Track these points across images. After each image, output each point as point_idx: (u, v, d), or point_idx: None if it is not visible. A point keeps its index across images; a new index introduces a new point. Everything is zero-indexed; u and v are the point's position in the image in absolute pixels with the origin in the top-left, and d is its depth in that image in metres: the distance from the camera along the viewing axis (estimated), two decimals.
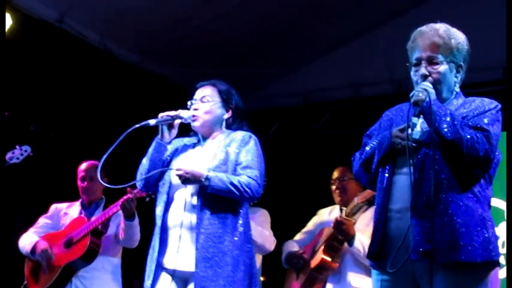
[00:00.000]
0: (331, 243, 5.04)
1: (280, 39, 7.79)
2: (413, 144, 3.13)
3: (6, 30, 6.30)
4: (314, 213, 5.49)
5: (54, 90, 6.80)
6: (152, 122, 3.94)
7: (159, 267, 3.88)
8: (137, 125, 3.92)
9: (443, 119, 3.06)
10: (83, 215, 5.22)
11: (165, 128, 3.99)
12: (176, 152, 4.05)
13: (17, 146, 5.13)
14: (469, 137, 3.04)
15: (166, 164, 3.97)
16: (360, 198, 4.94)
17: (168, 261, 3.86)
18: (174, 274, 3.88)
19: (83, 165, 5.36)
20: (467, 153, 3.04)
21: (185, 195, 3.87)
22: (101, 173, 3.96)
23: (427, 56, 3.24)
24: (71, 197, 5.44)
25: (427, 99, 3.08)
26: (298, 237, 5.46)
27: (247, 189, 3.81)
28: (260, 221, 5.34)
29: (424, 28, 3.33)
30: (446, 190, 3.10)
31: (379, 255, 3.24)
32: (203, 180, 3.75)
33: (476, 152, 3.04)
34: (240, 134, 4.01)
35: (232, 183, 3.77)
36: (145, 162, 3.99)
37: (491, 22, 7.25)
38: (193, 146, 4.10)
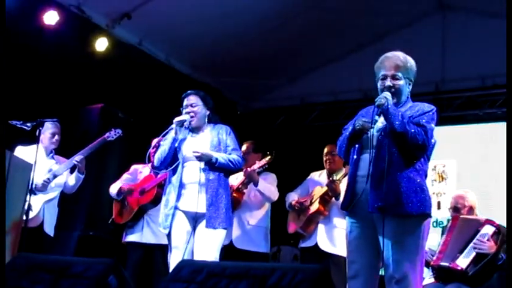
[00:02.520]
0: (324, 197, 5.01)
1: (283, 59, 7.78)
2: (374, 133, 3.14)
3: (104, 49, 6.45)
4: (307, 176, 5.47)
5: (134, 90, 6.82)
6: (173, 125, 4.16)
7: (176, 209, 4.05)
8: (167, 130, 4.17)
9: (396, 117, 3.07)
10: (152, 173, 5.17)
11: (178, 128, 4.14)
12: (181, 141, 4.18)
13: (112, 129, 5.14)
14: (412, 130, 3.06)
15: (177, 149, 4.15)
16: (347, 168, 4.96)
17: (184, 205, 4.06)
18: (187, 214, 4.06)
19: (155, 140, 5.36)
20: (410, 141, 3.06)
21: (195, 165, 4.06)
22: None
23: (391, 73, 3.23)
24: (144, 161, 5.46)
25: (386, 103, 3.10)
26: (296, 190, 5.43)
27: (237, 163, 4.17)
28: (269, 181, 5.33)
29: (389, 54, 3.32)
30: (395, 166, 3.09)
31: (349, 206, 3.24)
32: (213, 158, 4.02)
33: (417, 140, 3.06)
34: (223, 127, 4.28)
35: (229, 160, 4.11)
36: (164, 148, 4.17)
37: (427, 50, 7.32)
38: (191, 136, 4.23)
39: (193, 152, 4.03)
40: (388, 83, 3.22)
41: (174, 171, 4.16)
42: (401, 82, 3.24)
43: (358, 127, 3.15)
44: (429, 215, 3.16)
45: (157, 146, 5.31)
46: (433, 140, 3.25)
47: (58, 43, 5.95)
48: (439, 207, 7.09)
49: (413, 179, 3.11)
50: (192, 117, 4.18)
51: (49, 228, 4.95)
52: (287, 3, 6.82)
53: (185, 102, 4.25)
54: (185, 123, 4.16)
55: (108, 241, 5.95)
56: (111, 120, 6.11)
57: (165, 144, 4.16)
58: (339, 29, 7.37)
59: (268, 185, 5.29)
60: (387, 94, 3.17)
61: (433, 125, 3.19)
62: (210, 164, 4.04)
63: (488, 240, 4.12)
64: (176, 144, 4.14)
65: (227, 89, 8.10)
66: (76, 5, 6.11)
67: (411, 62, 3.32)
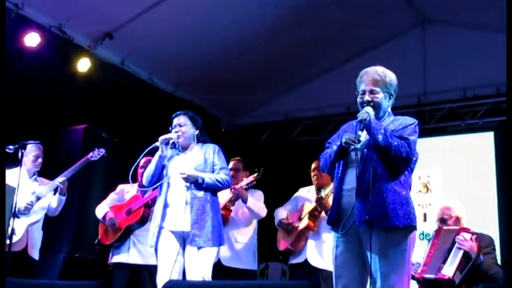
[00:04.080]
0: (313, 213, 5.02)
1: (268, 78, 7.87)
2: (358, 147, 3.14)
3: (86, 69, 6.42)
4: (295, 191, 5.47)
5: (117, 109, 6.80)
6: (157, 143, 4.16)
7: (161, 228, 4.06)
8: (151, 146, 4.16)
9: (378, 131, 3.08)
10: (139, 193, 5.16)
11: (163, 146, 4.15)
12: (169, 160, 4.19)
13: (96, 149, 5.08)
14: (396, 143, 3.06)
15: (164, 168, 4.17)
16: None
17: (170, 224, 4.06)
18: (174, 233, 4.06)
19: (142, 161, 5.29)
20: (394, 154, 3.06)
21: (181, 184, 4.06)
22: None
23: (369, 88, 3.24)
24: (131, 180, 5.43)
25: (368, 118, 3.10)
26: (285, 205, 5.42)
27: (225, 182, 4.15)
28: (256, 198, 5.31)
29: (368, 69, 3.32)
30: (380, 179, 3.09)
31: (335, 221, 3.21)
32: (199, 179, 4.02)
33: (400, 153, 3.06)
34: (211, 146, 4.28)
35: (217, 180, 4.10)
36: (151, 167, 4.19)
37: (409, 63, 7.40)
38: (178, 154, 4.24)
39: (180, 173, 4.04)
40: (367, 97, 3.23)
41: (161, 190, 4.15)
42: (379, 96, 3.25)
43: (345, 142, 3.14)
44: (415, 228, 3.15)
45: (145, 166, 5.30)
46: (416, 155, 3.26)
47: (40, 64, 5.92)
48: (425, 219, 7.12)
49: (398, 191, 3.11)
50: (179, 136, 4.19)
51: (34, 252, 4.88)
52: (271, 21, 6.86)
53: (174, 122, 4.28)
54: (170, 141, 4.17)
55: (94, 262, 5.88)
56: (94, 140, 6.04)
57: (152, 162, 4.18)
58: (322, 45, 7.44)
59: (257, 202, 5.28)
60: (369, 109, 3.17)
61: (415, 138, 3.19)
62: (197, 185, 4.04)
63: (470, 239, 4.16)
64: (165, 162, 4.15)
65: (211, 106, 8.11)
66: (57, 26, 6.09)
67: (391, 76, 3.32)
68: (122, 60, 6.83)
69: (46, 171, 5.11)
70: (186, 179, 4.02)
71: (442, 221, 4.55)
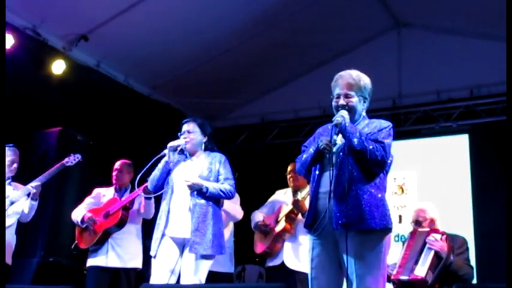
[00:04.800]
0: (290, 215, 5.03)
1: (244, 81, 7.89)
2: (334, 151, 3.16)
3: (61, 72, 6.38)
4: (272, 194, 5.48)
5: (93, 112, 6.75)
6: (166, 151, 4.18)
7: (163, 235, 4.05)
8: (159, 154, 4.16)
9: (353, 135, 3.09)
10: (116, 196, 5.16)
11: (171, 153, 4.17)
12: (174, 166, 4.20)
13: (72, 154, 5.03)
14: (371, 147, 3.08)
15: (169, 172, 4.17)
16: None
17: (172, 231, 4.05)
18: (175, 240, 4.05)
19: (116, 165, 5.31)
20: (370, 158, 3.08)
21: (185, 191, 4.07)
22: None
23: (344, 92, 3.26)
24: (106, 183, 5.40)
25: (343, 122, 3.12)
26: (262, 208, 5.43)
27: (228, 193, 4.15)
28: (233, 200, 5.22)
29: (343, 73, 3.33)
30: (356, 182, 3.11)
31: (312, 224, 3.22)
32: (203, 188, 4.03)
33: (376, 157, 3.08)
34: (217, 155, 4.29)
35: (221, 190, 4.11)
36: (156, 172, 4.20)
37: (384, 67, 7.47)
38: (184, 161, 4.25)
39: (185, 181, 4.05)
40: (342, 101, 3.25)
41: (165, 196, 4.16)
42: (354, 100, 3.27)
43: (322, 147, 3.15)
44: (390, 230, 3.17)
45: (118, 169, 5.28)
46: (390, 158, 3.29)
47: (14, 67, 5.82)
48: (400, 221, 7.19)
49: (374, 194, 3.13)
50: (187, 142, 4.22)
51: (7, 256, 4.81)
52: (246, 24, 6.88)
53: (184, 128, 4.30)
54: (179, 148, 4.19)
55: (69, 267, 5.83)
56: (69, 143, 6.02)
57: (158, 168, 4.19)
58: (297, 48, 7.48)
59: (233, 205, 5.29)
60: (344, 113, 3.19)
61: (390, 141, 3.22)
62: (201, 193, 4.05)
63: (441, 239, 4.24)
64: (171, 166, 4.17)
65: (188, 108, 8.09)
66: (31, 27, 6.03)
67: (365, 80, 3.34)
68: (98, 62, 6.79)
69: (20, 174, 5.04)
70: (191, 187, 4.03)
71: (417, 223, 4.61)
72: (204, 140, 4.31)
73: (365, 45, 7.81)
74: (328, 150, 3.14)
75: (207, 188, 4.04)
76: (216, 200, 4.14)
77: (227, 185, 4.15)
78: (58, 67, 6.30)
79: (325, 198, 3.16)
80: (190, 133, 4.26)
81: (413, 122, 7.60)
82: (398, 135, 7.62)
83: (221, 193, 4.10)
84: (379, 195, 3.14)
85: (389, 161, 3.24)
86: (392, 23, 7.70)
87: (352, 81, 3.28)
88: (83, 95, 6.62)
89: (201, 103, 7.96)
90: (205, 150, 4.32)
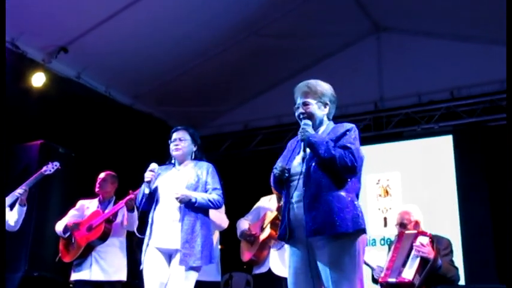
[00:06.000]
0: (275, 222, 4.99)
1: (226, 88, 7.90)
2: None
3: (41, 84, 6.33)
4: (257, 200, 5.45)
5: (74, 124, 6.69)
6: (142, 187, 4.12)
7: (148, 246, 4.01)
8: (142, 193, 4.11)
9: (320, 145, 3.13)
10: (99, 208, 5.10)
11: (146, 185, 4.09)
12: (159, 175, 4.16)
13: (50, 162, 4.98)
14: (338, 155, 3.10)
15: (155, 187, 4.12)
16: None
17: (158, 242, 4.01)
18: (162, 251, 4.01)
19: (101, 174, 5.26)
20: (340, 165, 3.10)
21: (172, 201, 4.02)
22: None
23: (302, 101, 3.34)
24: (89, 195, 5.35)
25: (307, 136, 3.18)
26: (247, 216, 5.39)
27: (217, 203, 4.11)
28: (218, 209, 5.32)
29: (300, 84, 3.42)
30: (325, 189, 3.12)
31: (285, 235, 3.24)
32: (192, 199, 3.98)
33: (345, 163, 3.09)
34: (205, 164, 4.24)
35: (209, 200, 4.06)
36: (140, 196, 4.13)
37: (365, 71, 7.51)
38: (171, 169, 4.23)
39: (175, 193, 4.00)
40: (300, 110, 3.33)
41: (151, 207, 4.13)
42: (311, 107, 3.33)
43: (277, 174, 3.26)
44: (363, 231, 3.14)
45: (103, 178, 5.23)
46: (359, 162, 3.25)
47: None
48: (385, 224, 7.22)
49: (344, 197, 3.12)
50: (178, 149, 4.20)
51: None
52: (228, 31, 6.89)
53: (174, 136, 4.26)
54: (153, 179, 4.11)
55: (53, 281, 5.76)
56: (51, 156, 5.90)
57: (140, 192, 4.15)
58: (279, 54, 7.50)
59: (218, 214, 5.22)
60: (306, 124, 3.26)
61: (357, 144, 3.22)
62: (190, 205, 4.00)
63: (427, 245, 4.28)
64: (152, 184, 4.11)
65: (170, 117, 8.08)
66: (10, 40, 5.98)
67: (322, 85, 3.40)
68: (78, 73, 6.76)
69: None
70: (180, 200, 3.98)
71: (402, 225, 4.64)
72: (194, 149, 4.29)
73: (346, 50, 7.86)
74: (283, 175, 3.23)
75: (196, 199, 4.00)
76: (204, 210, 4.11)
77: (215, 195, 4.11)
78: (38, 79, 6.26)
79: (296, 207, 3.19)
80: (182, 141, 4.23)
81: (396, 125, 7.65)
82: (381, 138, 7.77)
83: (210, 203, 4.07)
84: (349, 198, 3.13)
85: (359, 164, 3.22)
86: (372, 28, 7.75)
87: (307, 89, 3.36)
88: (64, 107, 6.57)
89: (183, 112, 7.95)
90: (193, 159, 4.28)
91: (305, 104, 3.33)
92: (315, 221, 3.07)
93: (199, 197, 4.03)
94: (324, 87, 3.40)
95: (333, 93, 3.41)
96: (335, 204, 3.09)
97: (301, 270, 3.20)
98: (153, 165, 4.13)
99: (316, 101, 3.34)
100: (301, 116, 3.31)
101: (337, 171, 3.12)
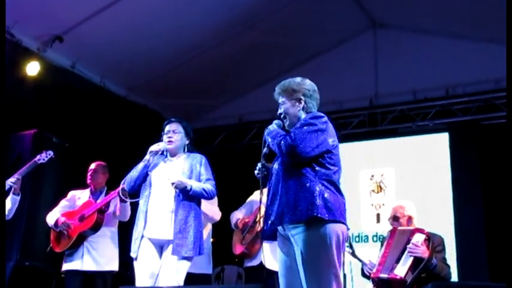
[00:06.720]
0: None
1: (221, 81, 7.86)
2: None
3: (36, 73, 6.30)
4: (250, 194, 5.45)
5: (68, 114, 6.65)
6: (147, 157, 4.16)
7: (142, 237, 4.00)
8: (143, 162, 4.15)
9: (272, 138, 3.28)
10: (91, 199, 5.10)
11: (152, 157, 4.15)
12: (153, 166, 4.17)
13: (43, 151, 4.95)
14: (277, 141, 3.21)
15: (147, 174, 4.15)
16: None
17: (151, 233, 4.00)
18: (154, 242, 4.01)
19: (92, 165, 5.25)
20: (284, 151, 3.15)
21: (165, 192, 4.03)
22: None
23: (279, 102, 3.45)
24: (82, 186, 5.34)
25: (266, 132, 3.36)
26: (240, 209, 5.41)
27: (210, 193, 4.14)
28: (211, 201, 5.20)
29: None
30: (283, 180, 3.19)
31: (264, 235, 3.34)
32: (187, 186, 4.00)
33: (284, 147, 3.15)
34: (198, 156, 4.28)
35: (203, 189, 4.09)
36: (134, 173, 4.17)
37: (361, 67, 7.50)
38: (164, 162, 4.22)
39: (169, 179, 4.01)
40: (279, 110, 3.43)
41: (142, 197, 4.12)
42: (285, 105, 3.41)
43: (257, 174, 3.45)
44: (326, 221, 3.04)
45: (94, 169, 5.22)
46: (321, 139, 3.20)
47: None
48: (378, 221, 7.22)
49: (302, 184, 3.13)
50: (171, 142, 4.19)
51: None
52: (223, 24, 6.86)
53: (167, 128, 4.27)
54: (159, 152, 4.17)
55: (45, 271, 5.73)
56: (44, 145, 5.87)
57: (137, 169, 4.15)
58: (274, 49, 7.47)
59: (210, 206, 5.24)
60: (272, 125, 3.39)
61: (307, 128, 3.19)
62: (184, 192, 4.01)
63: (422, 244, 4.27)
64: (149, 169, 4.14)
65: (165, 109, 8.05)
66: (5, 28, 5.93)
67: (294, 82, 3.45)
68: (73, 63, 6.72)
69: None
70: (176, 186, 3.98)
71: (395, 219, 4.64)
72: (187, 142, 4.30)
73: (342, 45, 7.85)
74: (261, 173, 3.41)
75: (191, 187, 4.01)
76: (198, 201, 4.12)
77: (209, 185, 4.14)
78: (33, 68, 6.22)
79: (268, 205, 3.29)
80: (175, 134, 4.24)
81: (390, 121, 7.64)
82: (376, 134, 7.76)
83: (204, 192, 4.08)
84: (308, 184, 3.11)
85: (313, 147, 3.16)
86: (369, 24, 7.74)
87: (279, 90, 3.47)
88: (58, 97, 6.52)
89: (178, 104, 7.92)
90: (185, 152, 4.28)
91: (281, 104, 3.43)
92: (278, 212, 3.17)
93: (194, 185, 4.04)
94: (296, 83, 3.45)
95: (307, 87, 3.43)
96: (292, 194, 3.12)
97: (286, 261, 3.24)
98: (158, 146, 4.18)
99: (289, 99, 3.41)
100: (281, 116, 3.41)
101: (285, 157, 3.19)
